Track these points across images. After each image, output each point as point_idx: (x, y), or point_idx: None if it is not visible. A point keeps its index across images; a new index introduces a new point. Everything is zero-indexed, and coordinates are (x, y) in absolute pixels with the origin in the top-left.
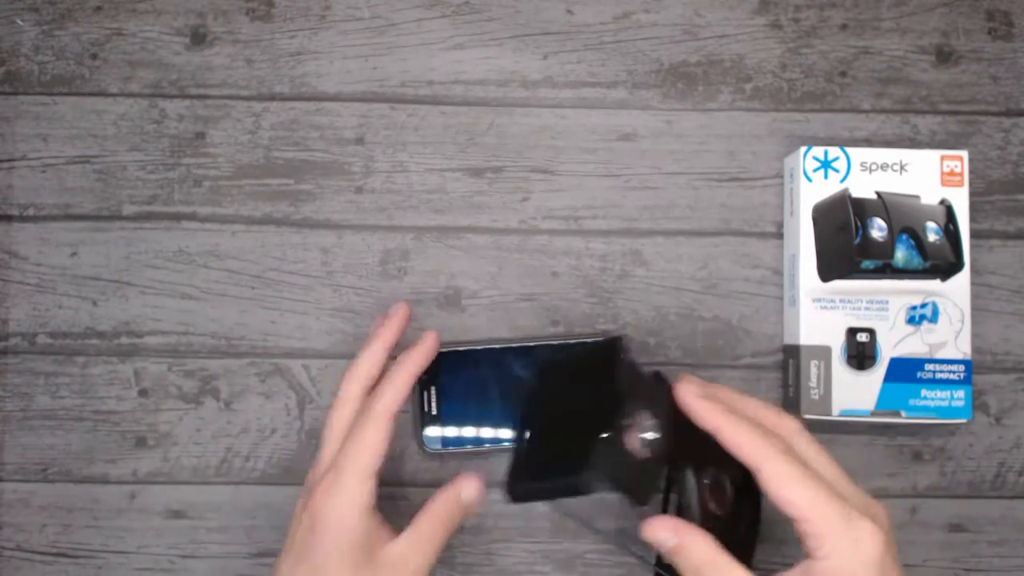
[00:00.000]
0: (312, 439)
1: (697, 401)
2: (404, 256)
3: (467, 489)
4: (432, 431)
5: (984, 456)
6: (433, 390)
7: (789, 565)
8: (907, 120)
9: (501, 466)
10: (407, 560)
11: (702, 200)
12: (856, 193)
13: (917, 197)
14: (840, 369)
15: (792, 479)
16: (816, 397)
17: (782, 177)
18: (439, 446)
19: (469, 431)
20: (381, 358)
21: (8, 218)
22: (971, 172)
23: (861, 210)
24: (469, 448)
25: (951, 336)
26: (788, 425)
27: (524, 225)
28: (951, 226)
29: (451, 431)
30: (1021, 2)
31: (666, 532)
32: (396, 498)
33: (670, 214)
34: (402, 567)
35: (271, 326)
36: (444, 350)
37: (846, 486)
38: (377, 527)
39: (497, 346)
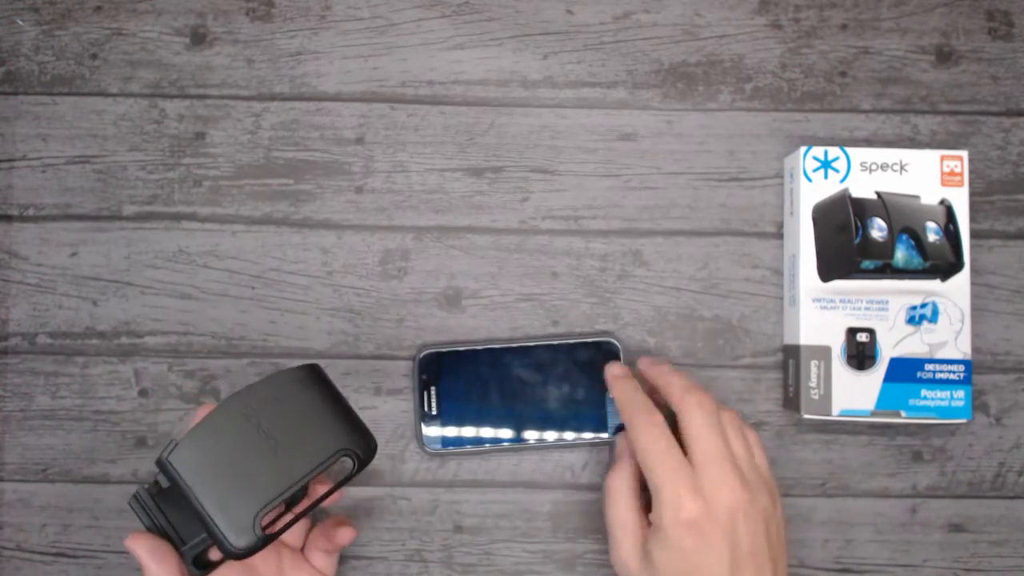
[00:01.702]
0: None
1: (614, 383)
2: (404, 256)
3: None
4: (432, 431)
5: (984, 456)
6: (433, 390)
7: None
8: (907, 120)
9: (501, 466)
10: None
11: (702, 200)
12: (856, 193)
13: (917, 197)
14: (840, 369)
15: (640, 446)
16: (816, 397)
17: (782, 177)
18: (439, 446)
19: (469, 431)
20: None
21: (8, 218)
22: (971, 172)
23: (861, 210)
24: (469, 448)
25: (951, 336)
26: (684, 385)
27: (524, 225)
28: (951, 226)
29: (451, 431)
30: (1021, 2)
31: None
32: (396, 498)
33: (670, 214)
34: None
35: (271, 326)
36: (444, 350)
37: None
38: None
39: (497, 346)
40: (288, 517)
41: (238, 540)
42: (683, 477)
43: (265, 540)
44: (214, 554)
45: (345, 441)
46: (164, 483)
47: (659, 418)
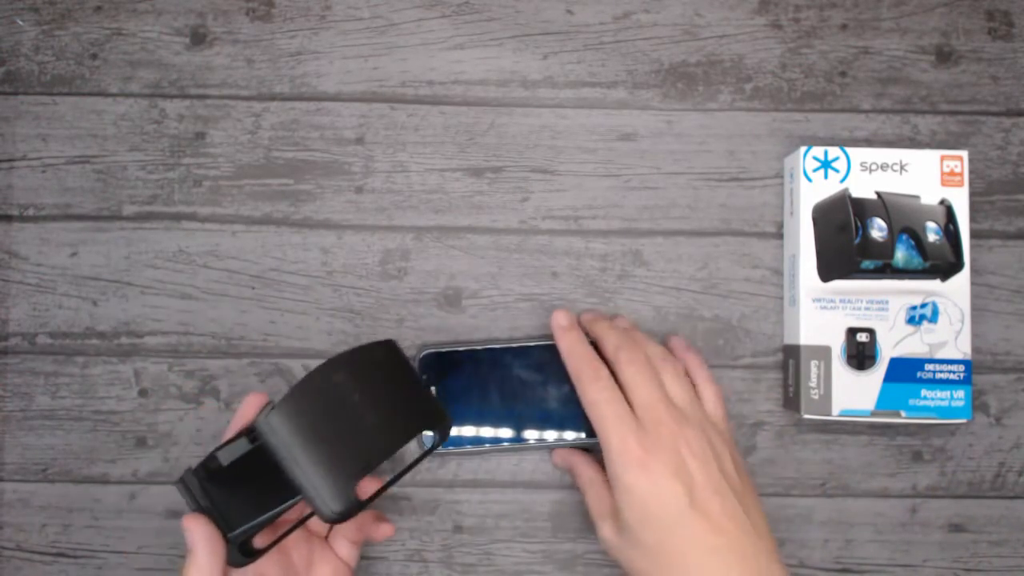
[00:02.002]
0: None
1: (558, 333)
2: (404, 256)
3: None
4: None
5: (984, 456)
6: (433, 390)
7: None
8: (907, 120)
9: (501, 466)
10: None
11: (702, 200)
12: (856, 193)
13: (917, 197)
14: (840, 369)
15: (587, 397)
16: (816, 397)
17: (782, 177)
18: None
19: (469, 431)
20: None
21: (8, 218)
22: (971, 172)
23: (861, 210)
24: (469, 448)
25: (951, 336)
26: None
27: (524, 225)
28: (951, 226)
29: (450, 431)
30: (1021, 2)
31: (563, 460)
32: (397, 498)
33: (670, 214)
34: None
35: (271, 326)
36: (444, 350)
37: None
38: None
39: (497, 346)
40: (377, 486)
41: (335, 505)
42: (626, 423)
43: (359, 507)
44: (260, 541)
45: (430, 417)
46: (225, 461)
47: (604, 371)
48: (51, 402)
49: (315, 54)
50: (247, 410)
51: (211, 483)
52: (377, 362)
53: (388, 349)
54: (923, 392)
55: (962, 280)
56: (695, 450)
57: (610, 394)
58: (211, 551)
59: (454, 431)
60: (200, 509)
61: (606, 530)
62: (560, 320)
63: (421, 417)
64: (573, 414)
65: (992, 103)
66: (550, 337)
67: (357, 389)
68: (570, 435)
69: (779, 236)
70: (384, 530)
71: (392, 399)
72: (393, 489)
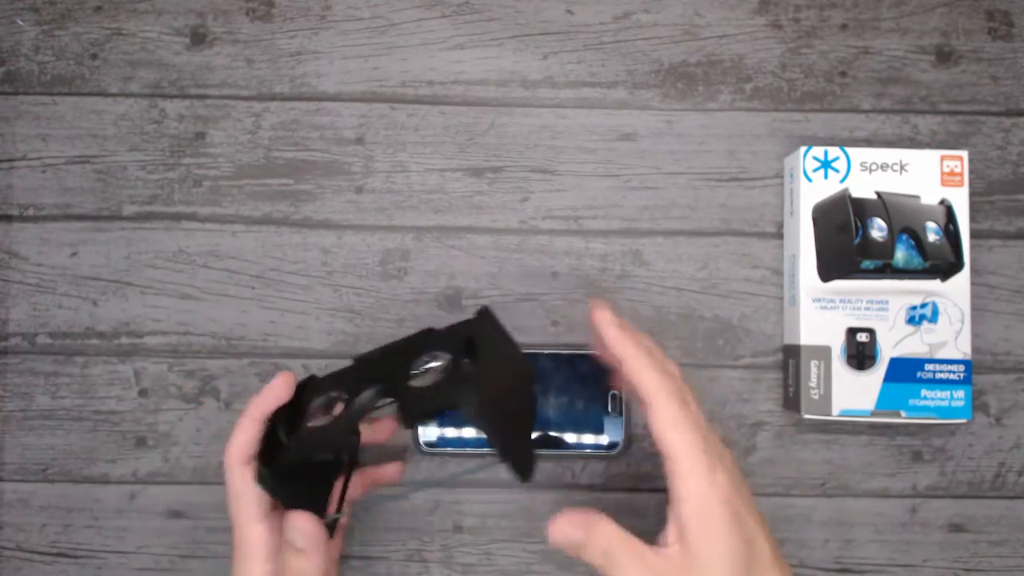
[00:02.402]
0: None
1: (610, 328)
2: (404, 256)
3: (297, 537)
4: (430, 431)
5: (984, 456)
6: None
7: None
8: (907, 120)
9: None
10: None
11: (702, 200)
12: (856, 193)
13: (917, 197)
14: (840, 369)
15: (676, 423)
16: (816, 397)
17: (782, 177)
18: (438, 446)
19: (467, 431)
20: (252, 431)
21: (8, 218)
22: (971, 172)
23: (861, 210)
24: (467, 448)
25: (951, 336)
26: (673, 367)
27: (524, 225)
28: (951, 226)
29: (449, 431)
30: (1021, 2)
31: (574, 530)
32: (396, 498)
33: (670, 214)
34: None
35: (271, 326)
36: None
37: (709, 432)
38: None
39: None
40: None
41: (528, 472)
42: (697, 438)
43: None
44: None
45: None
46: (366, 407)
47: (691, 394)
48: (51, 402)
49: (315, 54)
50: (280, 390)
51: (280, 473)
52: (494, 336)
53: (490, 315)
54: (923, 392)
55: (962, 280)
56: (727, 467)
57: (687, 412)
58: (319, 540)
59: (454, 431)
60: (287, 498)
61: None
62: (610, 317)
63: (532, 379)
64: (572, 422)
65: (992, 103)
66: (550, 346)
67: (503, 363)
68: (571, 438)
69: (779, 236)
70: (392, 470)
71: (514, 367)
72: (393, 489)
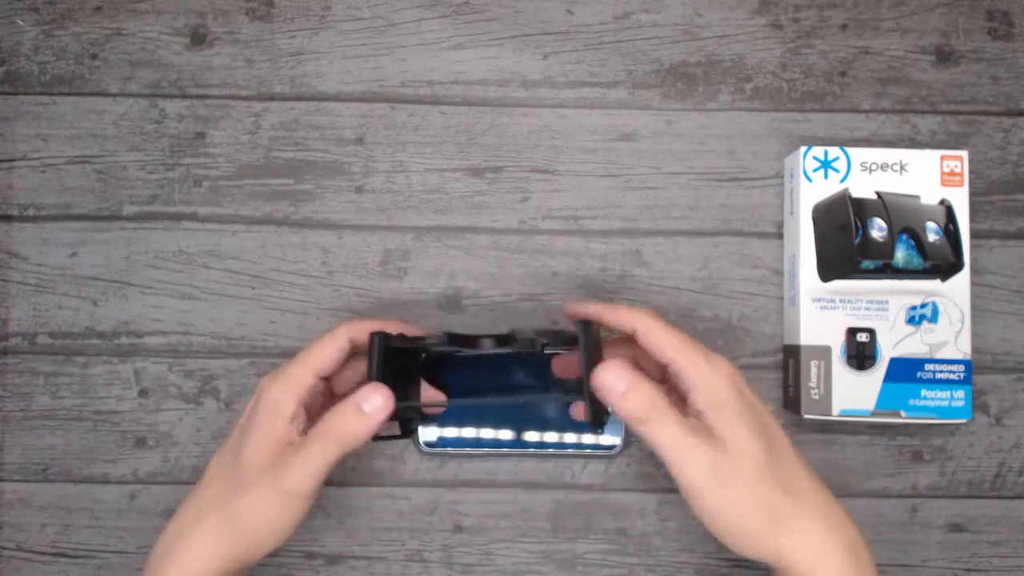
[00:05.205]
0: None
1: (574, 304)
2: (404, 256)
3: (371, 400)
4: (430, 431)
5: (984, 456)
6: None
7: None
8: (907, 120)
9: (501, 466)
10: (291, 484)
11: (702, 200)
12: (856, 193)
13: (917, 197)
14: (840, 369)
15: (660, 331)
16: (816, 397)
17: (782, 177)
18: (438, 446)
19: (468, 431)
20: (362, 329)
21: (8, 218)
22: (971, 172)
23: (861, 210)
24: (468, 449)
25: (951, 336)
26: (646, 309)
27: (524, 225)
28: (951, 226)
29: (450, 431)
30: (1021, 2)
31: (618, 379)
32: (396, 498)
33: (670, 214)
34: (284, 486)
35: (271, 326)
36: (444, 350)
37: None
38: (300, 424)
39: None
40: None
41: (603, 417)
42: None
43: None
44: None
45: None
46: (432, 349)
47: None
48: (51, 402)
49: (315, 54)
50: (351, 335)
51: (391, 356)
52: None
53: None
54: (923, 392)
55: (962, 280)
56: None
57: (668, 324)
58: (384, 413)
59: (454, 432)
60: (380, 378)
61: (695, 462)
62: (581, 303)
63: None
64: (571, 419)
65: (992, 103)
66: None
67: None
68: (570, 437)
69: (779, 236)
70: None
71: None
72: (393, 489)
